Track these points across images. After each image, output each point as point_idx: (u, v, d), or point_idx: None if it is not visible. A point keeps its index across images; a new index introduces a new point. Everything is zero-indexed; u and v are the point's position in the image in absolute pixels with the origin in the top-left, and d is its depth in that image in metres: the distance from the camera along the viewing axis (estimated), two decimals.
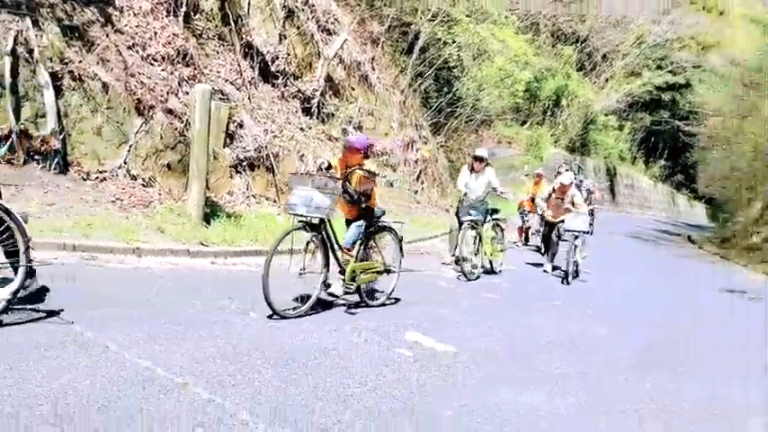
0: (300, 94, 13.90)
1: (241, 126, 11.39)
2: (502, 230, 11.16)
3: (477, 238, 10.08)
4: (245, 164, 11.24)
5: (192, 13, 11.48)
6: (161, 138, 9.97)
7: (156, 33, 10.62)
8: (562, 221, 11.47)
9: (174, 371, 4.27)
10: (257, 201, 11.19)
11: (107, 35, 9.89)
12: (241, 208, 10.60)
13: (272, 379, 4.42)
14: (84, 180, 9.01)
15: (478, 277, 10.04)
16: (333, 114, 15.00)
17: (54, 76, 8.91)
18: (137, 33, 10.41)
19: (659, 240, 25.33)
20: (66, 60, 9.16)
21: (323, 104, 14.58)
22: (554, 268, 11.88)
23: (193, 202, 9.08)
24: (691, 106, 40.78)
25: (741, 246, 22.49)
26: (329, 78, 14.98)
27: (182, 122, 10.18)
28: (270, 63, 13.12)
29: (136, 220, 8.56)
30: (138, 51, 10.28)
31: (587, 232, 11.39)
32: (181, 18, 11.11)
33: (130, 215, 8.67)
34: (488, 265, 10.66)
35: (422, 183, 18.42)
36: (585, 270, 11.72)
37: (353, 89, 16.16)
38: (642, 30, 38.73)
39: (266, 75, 13.09)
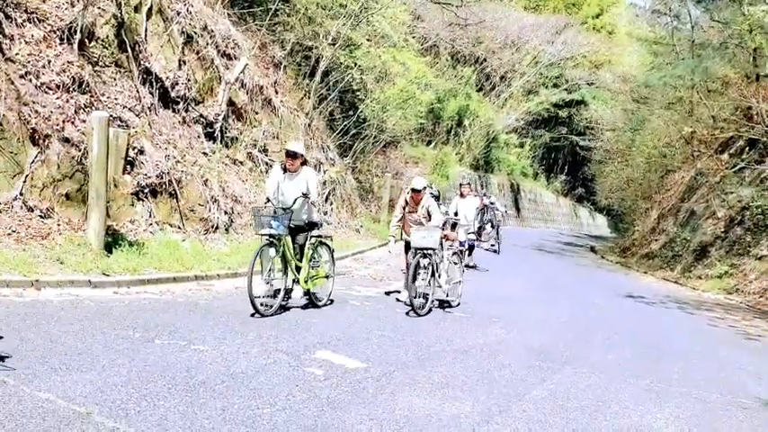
0: (203, 119, 13.82)
1: (141, 152, 11.22)
2: (330, 250, 9.11)
3: (282, 257, 8.07)
4: (146, 191, 11.06)
5: (86, 41, 11.26)
6: (58, 167, 9.71)
7: (49, 62, 10.35)
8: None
9: (76, 401, 4.24)
10: (161, 228, 11.02)
11: None
12: (144, 236, 10.43)
13: (178, 404, 4.45)
14: None
15: (282, 308, 8.06)
16: (236, 138, 14.97)
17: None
18: (29, 62, 10.11)
19: (563, 251, 26.48)
20: None
21: (226, 129, 14.54)
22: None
23: (94, 231, 8.89)
24: (587, 122, 42.82)
25: (640, 254, 23.83)
26: (231, 103, 14.96)
27: (79, 151, 9.95)
28: (170, 89, 12.99)
29: (34, 252, 8.31)
30: (31, 80, 9.99)
31: (436, 249, 9.42)
32: (75, 45, 10.87)
33: (28, 247, 8.41)
34: (297, 295, 8.49)
35: (331, 204, 18.59)
36: (457, 299, 10.16)
37: (257, 113, 16.19)
38: (537, 50, 40.53)
39: (166, 100, 12.96)
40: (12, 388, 4.29)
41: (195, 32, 14.00)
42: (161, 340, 5.92)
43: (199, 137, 13.51)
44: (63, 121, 9.99)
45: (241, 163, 14.93)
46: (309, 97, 19.22)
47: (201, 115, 13.75)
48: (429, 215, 9.69)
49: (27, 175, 9.38)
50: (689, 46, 24.21)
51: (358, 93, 22.42)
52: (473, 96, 35.98)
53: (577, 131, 46.70)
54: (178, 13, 13.66)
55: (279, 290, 8.11)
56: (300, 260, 8.47)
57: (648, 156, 27.51)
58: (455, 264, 10.41)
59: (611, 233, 42.29)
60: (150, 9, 12.88)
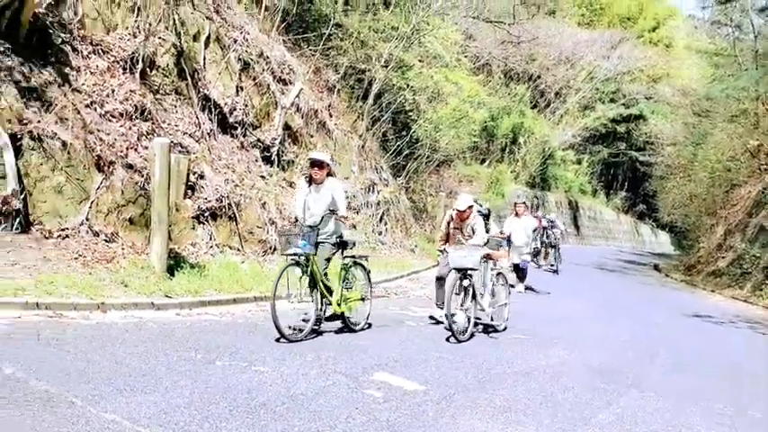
0: (260, 144, 14.10)
1: (202, 177, 11.51)
2: (365, 271, 8.58)
3: (310, 277, 7.47)
4: (207, 214, 11.32)
5: (148, 70, 11.66)
6: (122, 193, 10.04)
7: (113, 91, 10.76)
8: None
9: (141, 422, 4.32)
10: (221, 250, 11.25)
11: (65, 95, 9.99)
12: (204, 258, 10.65)
13: (240, 426, 4.50)
14: (47, 238, 9.00)
15: (314, 332, 7.63)
16: (292, 161, 15.21)
17: (13, 137, 8.95)
18: (94, 91, 10.53)
19: (624, 270, 25.86)
20: (24, 121, 9.23)
21: (282, 152, 14.80)
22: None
23: (156, 254, 9.12)
24: (646, 137, 41.97)
25: (706, 271, 23.03)
26: (287, 127, 15.23)
27: (142, 176, 10.27)
28: (228, 114, 13.32)
29: (99, 275, 8.57)
30: (96, 109, 10.39)
31: (478, 269, 8.71)
32: (137, 74, 11.28)
33: (94, 271, 8.68)
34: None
35: (385, 224, 18.64)
36: (503, 323, 9.54)
37: (312, 136, 16.43)
38: (592, 65, 39.99)
39: (225, 126, 13.29)
40: (79, 409, 4.41)
41: (252, 59, 14.34)
42: (222, 362, 6.00)
43: (256, 161, 13.78)
44: (126, 148, 10.34)
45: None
46: (363, 119, 19.40)
47: (259, 139, 14.03)
48: (473, 233, 9.22)
49: (93, 201, 9.72)
50: (752, 56, 23.53)
51: (410, 113, 22.51)
52: (527, 113, 35.69)
53: (637, 147, 45.76)
54: (235, 41, 14.02)
55: (309, 313, 7.61)
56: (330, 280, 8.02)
57: (712, 170, 26.66)
58: (501, 285, 9.81)
59: (675, 250, 41.10)
60: (208, 38, 13.27)
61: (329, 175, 8.11)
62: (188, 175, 10.86)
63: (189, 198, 11.08)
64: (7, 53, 9.49)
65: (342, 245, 8.20)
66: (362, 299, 8.50)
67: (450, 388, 6.10)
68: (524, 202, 15.11)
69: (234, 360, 6.09)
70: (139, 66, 11.31)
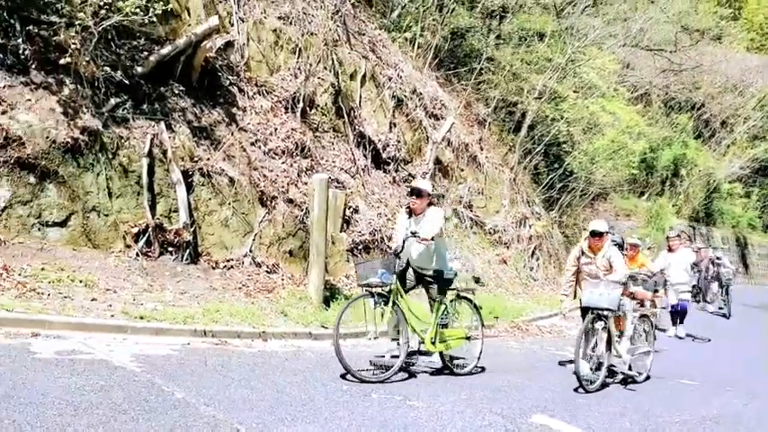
0: (411, 178, 14.23)
1: (356, 211, 11.76)
2: (473, 306, 7.77)
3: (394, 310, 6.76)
4: (360, 247, 11.53)
5: (308, 109, 12.18)
6: (283, 226, 10.46)
7: (275, 129, 11.31)
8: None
9: None
10: None
11: (232, 133, 10.63)
12: (358, 290, 10.78)
13: None
14: (213, 269, 9.53)
15: (406, 372, 6.95)
16: (443, 195, 15.20)
17: (185, 174, 9.62)
18: (258, 130, 11.13)
19: None
20: (195, 158, 9.90)
21: (433, 187, 14.83)
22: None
23: (314, 285, 9.37)
24: None
25: None
26: (438, 161, 15.29)
27: (301, 211, 10.66)
28: (381, 150, 13.59)
29: (261, 304, 8.91)
30: (260, 147, 10.97)
31: (615, 310, 7.70)
32: (298, 114, 11.80)
33: (256, 300, 9.04)
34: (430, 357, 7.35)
35: (537, 259, 18.10)
36: (645, 373, 8.38)
37: (462, 170, 16.37)
38: (763, 92, 37.10)
39: (378, 161, 13.56)
40: None
41: (405, 96, 14.61)
42: (377, 395, 5.96)
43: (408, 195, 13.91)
44: (287, 184, 10.79)
45: (447, 219, 15.07)
46: (514, 152, 19.12)
47: (410, 174, 14.17)
48: (611, 266, 7.99)
49: (256, 234, 10.19)
50: None
51: (564, 145, 21.91)
52: (690, 144, 33.60)
53: None
54: (389, 79, 14.35)
55: (396, 351, 6.85)
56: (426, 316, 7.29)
57: None
58: (644, 330, 8.64)
59: None
60: (364, 76, 13.68)
61: (431, 204, 7.36)
62: (344, 209, 11.12)
63: (344, 231, 11.33)
64: (181, 95, 10.28)
65: (442, 280, 7.29)
66: (468, 338, 7.55)
67: None
68: (678, 235, 13.79)
69: (389, 394, 6.02)
70: (300, 105, 11.84)
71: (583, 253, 8.34)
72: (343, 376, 6.39)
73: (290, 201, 10.73)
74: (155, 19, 9.48)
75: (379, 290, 6.63)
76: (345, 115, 12.85)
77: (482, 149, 17.84)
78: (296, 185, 11.00)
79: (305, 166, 11.39)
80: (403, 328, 6.79)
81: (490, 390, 6.81)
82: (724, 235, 35.89)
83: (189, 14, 10.78)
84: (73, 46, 8.69)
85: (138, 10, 9.13)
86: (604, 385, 7.58)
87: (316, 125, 12.37)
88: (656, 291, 10.98)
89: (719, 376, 9.33)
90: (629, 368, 8.14)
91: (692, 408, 7.20)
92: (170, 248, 9.22)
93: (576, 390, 7.20)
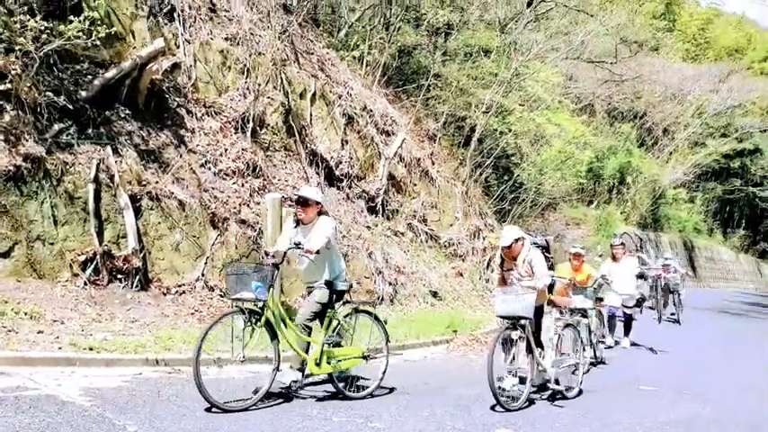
0: (365, 194, 14.25)
1: None
2: (376, 320, 7.07)
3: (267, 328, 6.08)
4: None
5: (258, 129, 12.08)
6: (236, 248, 10.32)
7: (226, 150, 11.19)
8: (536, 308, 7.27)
9: None
10: None
11: (181, 155, 10.47)
12: None
13: None
14: (165, 295, 9.33)
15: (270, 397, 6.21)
16: (397, 210, 15.25)
17: (133, 198, 9.41)
18: (208, 151, 10.99)
19: (750, 313, 24.14)
20: (144, 182, 9.70)
21: (387, 202, 14.88)
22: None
23: None
24: (764, 171, 39.66)
25: None
26: (391, 176, 15.34)
27: (254, 231, 10.54)
28: (334, 167, 13.57)
29: (214, 330, 8.72)
30: (210, 168, 10.82)
31: (531, 318, 7.02)
32: (248, 134, 11.70)
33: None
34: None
35: (492, 271, 18.24)
36: (576, 388, 7.83)
37: (415, 185, 16.45)
38: (701, 100, 38.44)
39: (331, 179, 13.53)
40: None
41: (356, 113, 14.65)
42: (338, 417, 5.90)
43: (362, 211, 13.92)
44: (239, 205, 10.66)
45: (402, 234, 15.11)
46: (465, 165, 19.31)
47: (364, 191, 14.19)
48: (534, 272, 7.40)
49: (208, 257, 10.03)
50: None
51: (513, 157, 22.26)
52: (635, 152, 34.52)
53: (753, 182, 43.48)
54: (339, 97, 14.38)
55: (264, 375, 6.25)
56: (308, 333, 6.53)
57: None
58: (572, 340, 8.08)
59: None
60: (314, 95, 13.68)
61: (321, 213, 6.73)
62: None
63: None
64: (128, 118, 10.08)
65: (334, 292, 6.69)
66: (365, 357, 6.85)
67: None
68: (622, 243, 12.75)
69: (350, 416, 5.97)
70: (250, 125, 11.74)
71: (502, 260, 7.70)
72: (208, 410, 5.65)
73: (243, 221, 10.60)
74: (98, 42, 9.29)
75: (251, 306, 5.96)
76: (297, 134, 12.80)
77: (434, 164, 17.97)
78: (248, 206, 10.87)
79: (257, 185, 11.28)
80: (275, 349, 6.11)
81: (452, 405, 6.81)
82: (671, 239, 36.89)
83: (134, 37, 10.60)
84: (13, 71, 8.45)
85: (80, 34, 8.95)
86: (530, 402, 7.10)
87: (267, 144, 12.29)
88: (599, 299, 10.82)
89: (671, 380, 9.51)
90: (557, 382, 7.45)
91: (652, 413, 7.32)
92: (119, 276, 9.00)
93: (492, 408, 6.61)
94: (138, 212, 9.43)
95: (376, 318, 7.08)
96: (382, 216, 14.54)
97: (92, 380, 6.27)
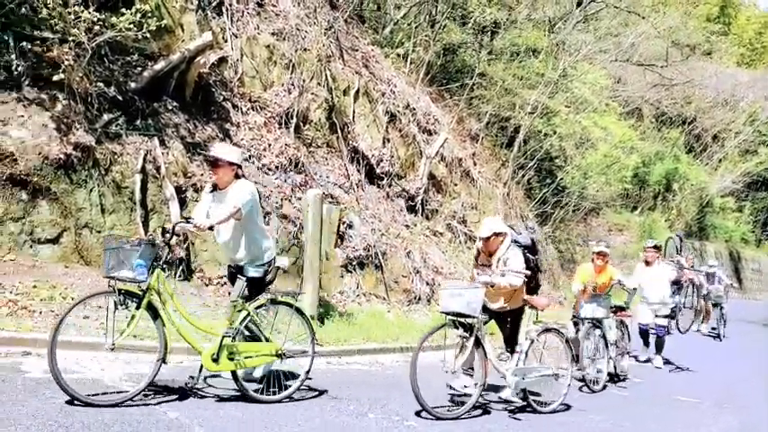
0: (405, 193, 14.23)
1: (350, 227, 11.73)
2: (298, 314, 6.16)
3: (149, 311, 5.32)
4: (354, 263, 11.48)
5: (301, 124, 12.17)
6: (276, 242, 10.39)
7: (269, 145, 11.29)
8: (508, 311, 6.75)
9: None
10: (367, 299, 11.33)
11: None
12: (352, 306, 10.75)
13: None
14: (207, 286, 9.46)
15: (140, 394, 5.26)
16: (436, 210, 15.20)
17: (178, 189, 9.56)
18: (252, 146, 11.10)
19: None
20: (189, 174, 9.85)
21: (426, 201, 14.84)
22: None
23: (308, 301, 9.27)
24: None
25: None
26: (432, 176, 15.29)
27: (295, 226, 10.62)
28: (375, 165, 13.58)
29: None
30: (253, 162, 10.93)
31: (475, 317, 6.16)
32: (292, 129, 11.79)
33: None
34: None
35: None
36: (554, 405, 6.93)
37: (456, 185, 16.38)
38: (754, 107, 37.44)
39: (372, 177, 13.55)
40: None
41: (398, 111, 14.63)
42: (374, 414, 5.90)
43: (401, 210, 13.90)
44: (281, 200, 10.75)
45: (441, 234, 15.06)
46: (507, 167, 19.15)
47: (404, 189, 14.17)
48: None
49: None
50: None
51: (556, 160, 21.99)
52: (682, 159, 33.82)
53: None
54: (383, 94, 14.38)
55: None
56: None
57: None
58: (551, 346, 7.18)
59: None
60: (357, 92, 13.70)
61: (238, 177, 5.90)
62: (338, 225, 11.08)
63: (338, 247, 11.29)
64: (175, 111, 10.25)
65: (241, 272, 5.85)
66: (279, 355, 5.90)
67: None
68: (656, 246, 11.42)
69: (385, 413, 5.96)
70: (293, 120, 11.83)
71: (479, 253, 6.93)
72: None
73: (284, 216, 10.69)
74: (148, 35, 9.46)
75: (129, 287, 5.16)
76: (339, 130, 12.85)
77: (475, 164, 17.87)
78: (290, 201, 10.96)
79: (299, 181, 11.36)
80: (160, 338, 5.32)
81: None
82: (717, 249, 36.02)
83: (182, 30, 10.78)
84: (66, 62, 8.66)
85: (131, 26, 9.11)
86: (485, 411, 6.43)
87: (309, 140, 12.36)
88: (620, 308, 9.50)
89: (712, 395, 9.26)
90: (524, 394, 6.55)
91: (695, 428, 7.16)
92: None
93: (417, 413, 5.90)
94: (182, 204, 9.58)
95: (298, 311, 6.13)
96: (422, 216, 14.51)
97: (134, 366, 6.37)
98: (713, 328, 16.20)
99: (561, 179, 21.33)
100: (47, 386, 5.15)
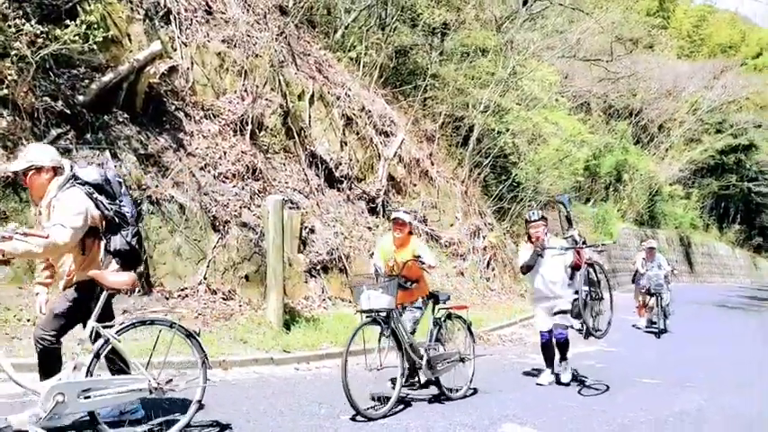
0: (365, 195, 14.22)
1: (312, 231, 11.65)
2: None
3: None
4: (318, 267, 11.40)
5: (257, 131, 12.03)
6: (237, 251, 10.26)
7: (225, 153, 11.13)
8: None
9: None
10: (333, 302, 11.26)
11: (180, 159, 10.41)
12: (318, 311, 10.67)
13: None
14: (167, 299, 9.25)
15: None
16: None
17: (134, 203, 9.32)
18: (207, 154, 10.93)
19: (749, 307, 24.14)
20: (143, 186, 9.63)
21: (387, 202, 14.85)
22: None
23: (273, 309, 9.19)
24: (759, 166, 39.80)
25: None
26: (391, 177, 15.31)
27: (256, 234, 10.48)
28: (334, 169, 13.54)
29: (219, 333, 8.68)
30: (209, 171, 10.76)
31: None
32: (247, 136, 11.65)
33: (213, 329, 8.80)
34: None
35: (492, 270, 18.24)
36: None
37: (415, 185, 16.43)
38: (695, 97, 38.59)
39: (331, 180, 13.50)
40: None
41: (354, 114, 14.62)
42: (346, 415, 5.85)
43: (362, 212, 13.88)
44: (240, 207, 10.60)
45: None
46: (464, 165, 19.30)
47: (364, 192, 14.16)
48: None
49: (210, 260, 9.96)
50: None
51: (511, 156, 22.25)
52: (630, 150, 34.64)
53: (749, 177, 43.62)
54: (338, 98, 14.34)
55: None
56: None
57: None
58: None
59: None
60: (312, 96, 13.64)
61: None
62: (300, 230, 11.00)
63: (301, 252, 11.20)
64: (126, 123, 10.01)
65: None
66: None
67: None
68: (543, 217, 7.93)
69: (358, 414, 5.91)
70: (249, 127, 11.69)
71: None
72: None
73: (244, 224, 10.55)
74: (95, 46, 9.21)
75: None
76: (296, 135, 12.76)
77: (433, 164, 17.96)
78: (249, 208, 10.82)
79: (257, 188, 11.23)
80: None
81: (459, 401, 6.76)
82: (668, 236, 36.96)
83: (130, 41, 10.55)
84: (9, 77, 8.39)
85: (77, 38, 8.87)
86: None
87: (266, 147, 12.24)
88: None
89: (674, 372, 9.45)
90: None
91: (656, 406, 7.28)
92: None
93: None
94: (138, 217, 9.34)
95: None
96: (383, 217, 14.50)
97: None
98: (652, 322, 13.93)
99: (516, 175, 21.59)
100: (11, 409, 4.96)
